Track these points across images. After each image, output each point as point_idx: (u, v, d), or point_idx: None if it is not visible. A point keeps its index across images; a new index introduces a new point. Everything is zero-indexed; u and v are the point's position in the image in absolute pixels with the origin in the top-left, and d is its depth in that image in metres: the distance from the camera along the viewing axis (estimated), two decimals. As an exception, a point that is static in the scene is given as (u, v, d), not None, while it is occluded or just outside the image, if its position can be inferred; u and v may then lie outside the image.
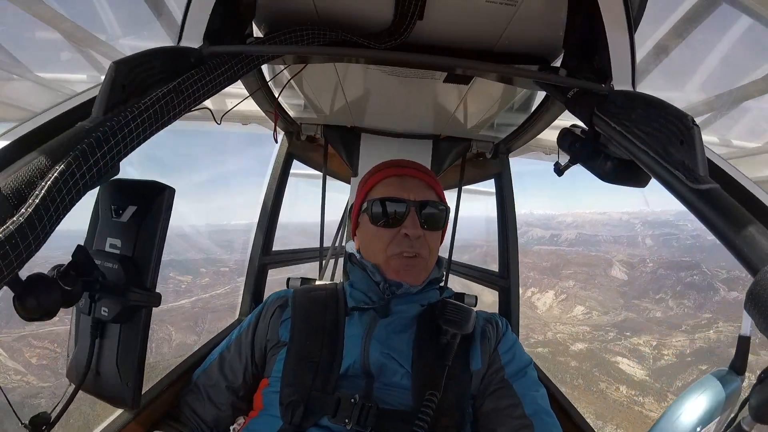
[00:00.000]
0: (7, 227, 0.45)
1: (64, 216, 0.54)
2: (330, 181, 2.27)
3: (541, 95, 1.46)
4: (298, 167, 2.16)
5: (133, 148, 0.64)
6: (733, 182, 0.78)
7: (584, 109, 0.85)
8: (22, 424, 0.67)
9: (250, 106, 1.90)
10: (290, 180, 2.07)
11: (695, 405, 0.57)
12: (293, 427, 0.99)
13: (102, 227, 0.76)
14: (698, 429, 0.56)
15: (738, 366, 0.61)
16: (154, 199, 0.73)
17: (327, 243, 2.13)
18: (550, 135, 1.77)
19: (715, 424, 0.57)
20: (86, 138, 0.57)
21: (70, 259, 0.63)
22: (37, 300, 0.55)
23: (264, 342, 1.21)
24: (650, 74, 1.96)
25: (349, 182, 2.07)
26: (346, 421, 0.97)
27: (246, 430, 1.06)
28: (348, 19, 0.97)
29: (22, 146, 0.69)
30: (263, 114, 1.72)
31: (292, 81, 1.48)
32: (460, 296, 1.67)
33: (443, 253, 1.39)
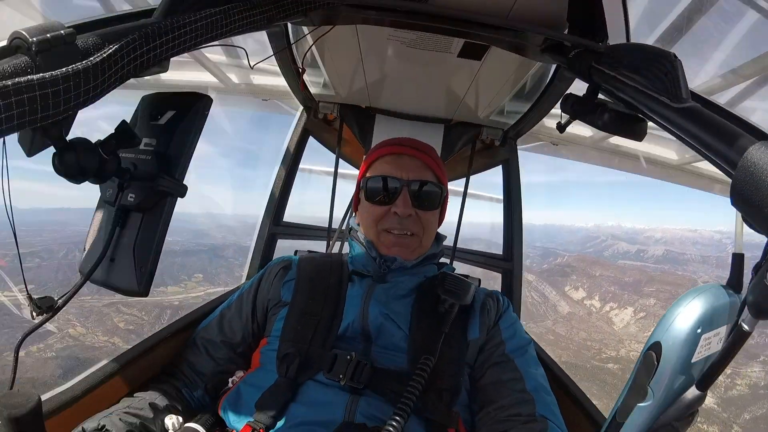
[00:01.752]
0: (71, 68, 0.54)
1: (115, 85, 0.62)
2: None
3: (547, 80, 1.56)
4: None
5: (181, 51, 0.73)
6: (710, 104, 0.85)
7: (584, 65, 0.94)
8: (30, 300, 0.72)
9: (274, 80, 2.03)
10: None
11: (693, 306, 0.53)
12: (289, 381, 1.01)
13: (139, 130, 0.82)
14: (698, 330, 0.52)
15: (734, 284, 0.59)
16: (192, 105, 0.81)
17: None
18: (554, 123, 1.85)
19: (717, 335, 0.55)
20: (145, 28, 0.67)
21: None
22: (75, 157, 0.62)
23: (266, 301, 1.24)
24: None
25: (359, 165, 2.16)
26: (341, 377, 0.99)
27: (243, 382, 1.09)
28: None
29: (97, 25, 0.77)
30: (285, 89, 1.82)
31: (315, 52, 1.59)
32: (464, 277, 1.71)
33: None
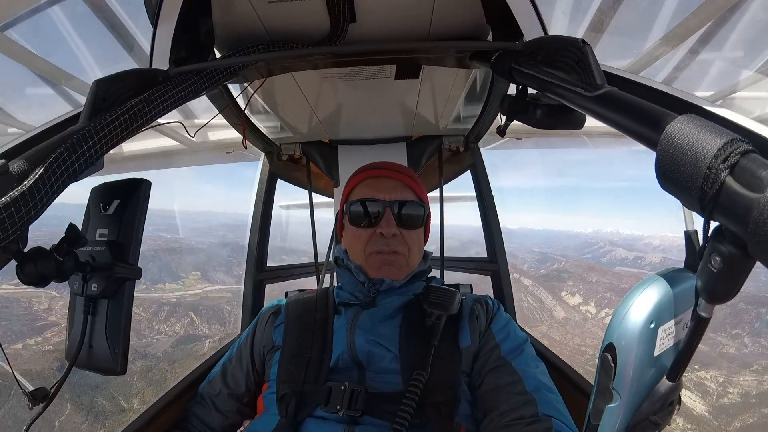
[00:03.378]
0: (12, 194, 0.58)
1: (54, 198, 0.66)
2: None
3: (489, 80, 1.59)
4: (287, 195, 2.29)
5: (111, 146, 0.77)
6: (630, 83, 0.84)
7: (505, 67, 0.96)
8: (24, 394, 0.76)
9: (231, 134, 2.06)
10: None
11: (644, 298, 0.50)
12: (289, 421, 1.01)
13: (92, 222, 0.88)
14: (652, 325, 0.50)
15: (691, 264, 0.54)
16: (134, 191, 0.86)
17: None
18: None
19: (677, 323, 0.52)
20: (74, 136, 0.70)
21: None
22: (35, 266, 0.66)
23: (261, 349, 1.26)
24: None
25: (332, 196, 2.19)
26: (338, 407, 0.99)
27: (248, 430, 1.09)
28: (292, 31, 1.11)
29: (29, 144, 0.84)
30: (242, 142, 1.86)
31: (264, 104, 1.63)
32: (455, 287, 1.70)
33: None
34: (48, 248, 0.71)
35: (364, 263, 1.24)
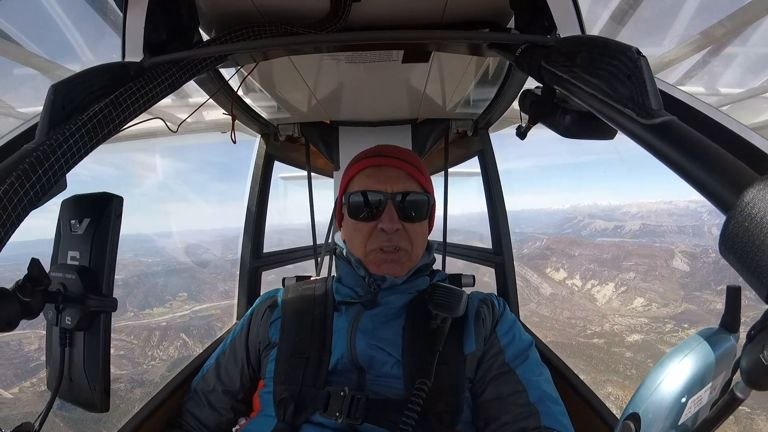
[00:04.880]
0: None
1: (12, 232, 0.56)
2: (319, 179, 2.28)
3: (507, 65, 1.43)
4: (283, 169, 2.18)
5: (74, 163, 0.65)
6: (693, 112, 0.72)
7: (533, 64, 0.83)
8: None
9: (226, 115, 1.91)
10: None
11: (679, 370, 0.48)
12: (287, 426, 0.98)
13: (63, 242, 0.79)
14: (683, 399, 0.47)
15: (730, 322, 0.52)
16: (104, 208, 0.76)
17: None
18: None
19: (707, 390, 0.50)
20: (28, 158, 0.59)
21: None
22: None
23: (256, 344, 1.21)
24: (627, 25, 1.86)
25: (332, 176, 2.08)
26: (337, 414, 0.96)
27: (244, 430, 1.07)
28: (287, 11, 0.96)
29: None
30: (240, 120, 1.73)
31: (258, 84, 1.48)
32: (457, 277, 1.64)
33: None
34: (10, 288, 0.63)
35: (364, 258, 1.18)
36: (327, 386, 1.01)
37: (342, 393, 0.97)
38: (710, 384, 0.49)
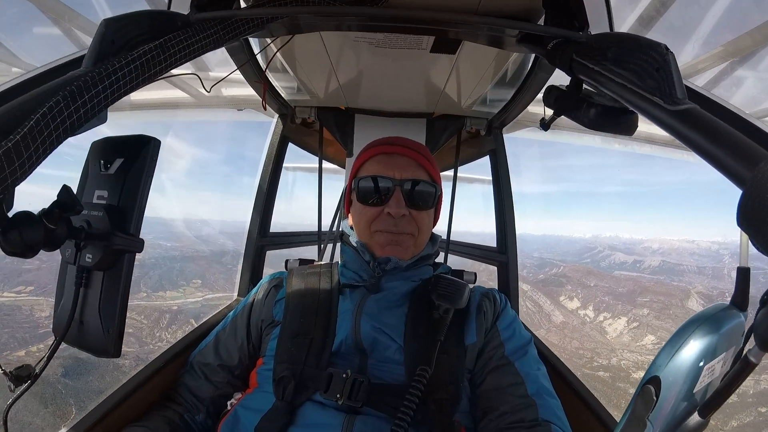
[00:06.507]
0: None
1: (48, 153, 0.56)
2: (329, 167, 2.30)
3: (529, 67, 1.48)
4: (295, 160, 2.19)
5: (118, 97, 0.67)
6: (712, 103, 0.78)
7: (564, 57, 0.86)
8: (6, 375, 0.70)
9: (245, 90, 1.94)
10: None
11: (696, 337, 0.51)
12: (286, 404, 0.99)
13: (90, 181, 0.79)
14: (701, 363, 0.50)
15: (739, 301, 0.56)
16: (140, 150, 0.76)
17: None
18: (540, 109, 1.78)
19: (720, 361, 0.52)
20: (75, 82, 0.60)
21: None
22: (20, 234, 0.58)
23: (259, 322, 1.22)
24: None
25: (344, 166, 2.10)
26: (338, 396, 0.96)
27: (240, 405, 1.06)
28: None
29: (19, 90, 0.73)
30: (258, 98, 1.75)
31: (283, 62, 1.51)
32: (459, 273, 1.66)
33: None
34: (36, 213, 0.62)
35: (369, 240, 1.20)
36: (329, 368, 1.02)
37: (344, 375, 0.99)
38: (722, 356, 0.52)
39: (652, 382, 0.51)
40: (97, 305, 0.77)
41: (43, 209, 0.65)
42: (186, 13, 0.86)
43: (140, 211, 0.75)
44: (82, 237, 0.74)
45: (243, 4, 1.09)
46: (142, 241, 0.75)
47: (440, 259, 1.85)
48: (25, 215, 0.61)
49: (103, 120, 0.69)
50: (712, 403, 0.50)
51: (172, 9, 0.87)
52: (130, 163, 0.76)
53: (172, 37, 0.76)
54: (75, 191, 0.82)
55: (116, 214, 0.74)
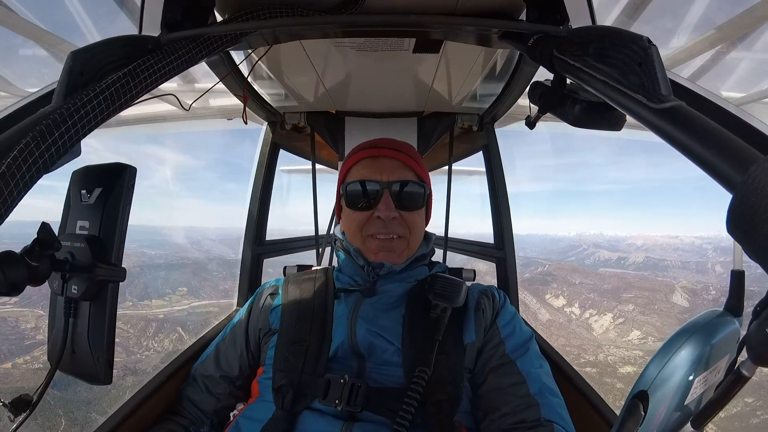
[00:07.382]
0: None
1: (24, 193, 0.56)
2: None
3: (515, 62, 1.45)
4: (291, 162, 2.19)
5: (90, 130, 0.66)
6: (700, 99, 0.74)
7: (545, 54, 0.84)
8: (4, 405, 0.70)
9: (234, 100, 1.92)
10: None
11: (686, 349, 0.49)
12: (286, 413, 0.98)
13: (72, 212, 0.79)
14: (690, 377, 0.48)
15: (734, 306, 0.53)
16: (117, 179, 0.76)
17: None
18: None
19: (712, 372, 0.50)
20: (44, 120, 0.60)
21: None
22: (3, 274, 0.58)
23: (257, 331, 1.22)
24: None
25: (337, 168, 2.09)
26: (337, 401, 0.96)
27: (242, 415, 1.07)
28: None
29: None
30: (248, 106, 1.73)
31: (268, 70, 1.49)
32: (458, 271, 1.65)
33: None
34: (19, 252, 0.62)
35: (361, 246, 1.19)
36: (327, 374, 1.01)
37: (342, 380, 0.98)
38: (715, 366, 0.50)
39: (639, 397, 0.49)
40: (86, 334, 0.78)
41: (25, 247, 0.65)
42: (157, 34, 0.85)
43: (120, 240, 0.75)
44: (67, 269, 0.74)
45: (219, 17, 1.08)
46: (124, 270, 0.75)
47: (439, 257, 1.84)
48: (6, 255, 0.61)
49: (77, 154, 0.69)
50: (705, 413, 0.49)
51: (144, 32, 0.85)
52: (108, 192, 0.76)
53: (142, 62, 0.74)
54: (61, 219, 0.83)
55: (97, 245, 0.74)
